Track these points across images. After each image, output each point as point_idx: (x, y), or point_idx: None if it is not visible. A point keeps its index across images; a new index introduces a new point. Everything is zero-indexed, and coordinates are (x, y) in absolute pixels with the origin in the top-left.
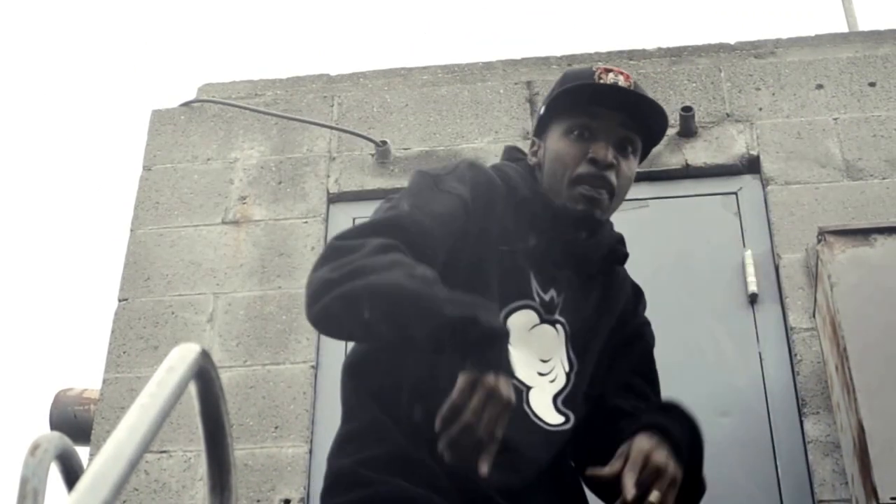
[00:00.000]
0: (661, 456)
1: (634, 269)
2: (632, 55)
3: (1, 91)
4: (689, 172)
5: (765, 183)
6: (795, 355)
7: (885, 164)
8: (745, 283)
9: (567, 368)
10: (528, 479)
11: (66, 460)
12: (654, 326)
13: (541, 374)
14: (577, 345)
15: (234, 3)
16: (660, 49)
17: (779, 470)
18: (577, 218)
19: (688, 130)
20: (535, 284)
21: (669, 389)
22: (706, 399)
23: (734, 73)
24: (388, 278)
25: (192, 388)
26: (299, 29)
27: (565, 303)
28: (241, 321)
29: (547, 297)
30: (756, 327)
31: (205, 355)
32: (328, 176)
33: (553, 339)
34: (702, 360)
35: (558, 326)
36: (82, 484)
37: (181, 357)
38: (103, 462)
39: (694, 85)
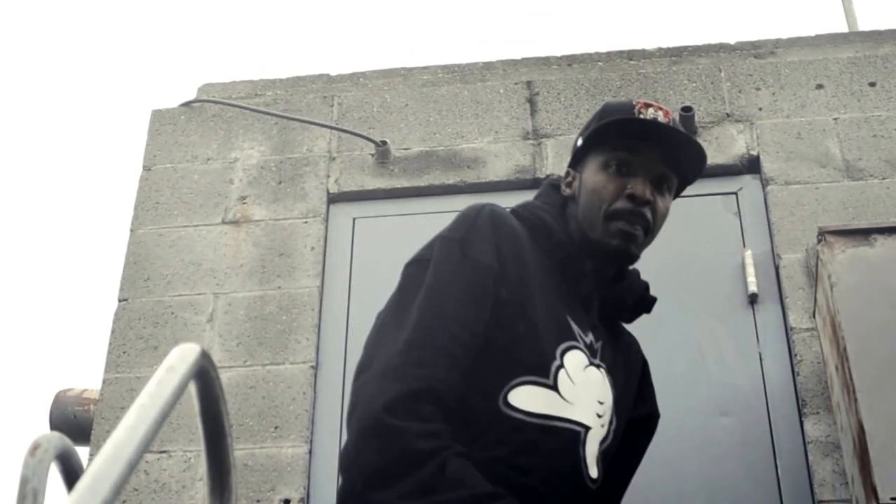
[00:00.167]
0: None
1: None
2: (632, 55)
3: (1, 91)
4: None
5: (765, 183)
6: (795, 355)
7: (885, 164)
8: (745, 283)
9: (612, 416)
10: None
11: (66, 460)
12: (654, 327)
13: (598, 416)
14: (616, 398)
15: (234, 3)
16: (660, 49)
17: (779, 470)
18: (613, 252)
19: (688, 130)
20: (574, 327)
21: (670, 389)
22: (706, 399)
23: (734, 73)
24: None
25: (192, 388)
26: (299, 29)
27: (603, 350)
28: (241, 321)
29: (587, 340)
30: (756, 327)
31: (205, 355)
32: (328, 176)
33: (602, 383)
34: (702, 360)
35: (602, 371)
36: (82, 484)
37: (181, 357)
38: (103, 462)
39: (694, 85)
